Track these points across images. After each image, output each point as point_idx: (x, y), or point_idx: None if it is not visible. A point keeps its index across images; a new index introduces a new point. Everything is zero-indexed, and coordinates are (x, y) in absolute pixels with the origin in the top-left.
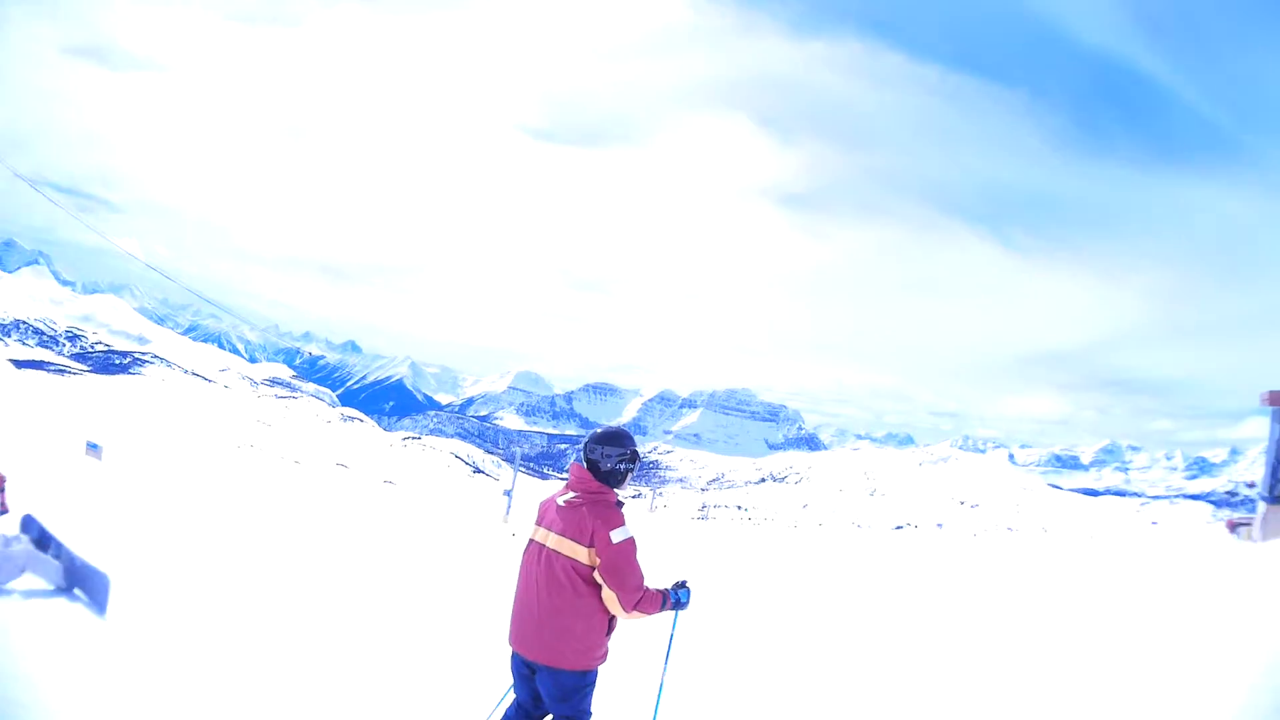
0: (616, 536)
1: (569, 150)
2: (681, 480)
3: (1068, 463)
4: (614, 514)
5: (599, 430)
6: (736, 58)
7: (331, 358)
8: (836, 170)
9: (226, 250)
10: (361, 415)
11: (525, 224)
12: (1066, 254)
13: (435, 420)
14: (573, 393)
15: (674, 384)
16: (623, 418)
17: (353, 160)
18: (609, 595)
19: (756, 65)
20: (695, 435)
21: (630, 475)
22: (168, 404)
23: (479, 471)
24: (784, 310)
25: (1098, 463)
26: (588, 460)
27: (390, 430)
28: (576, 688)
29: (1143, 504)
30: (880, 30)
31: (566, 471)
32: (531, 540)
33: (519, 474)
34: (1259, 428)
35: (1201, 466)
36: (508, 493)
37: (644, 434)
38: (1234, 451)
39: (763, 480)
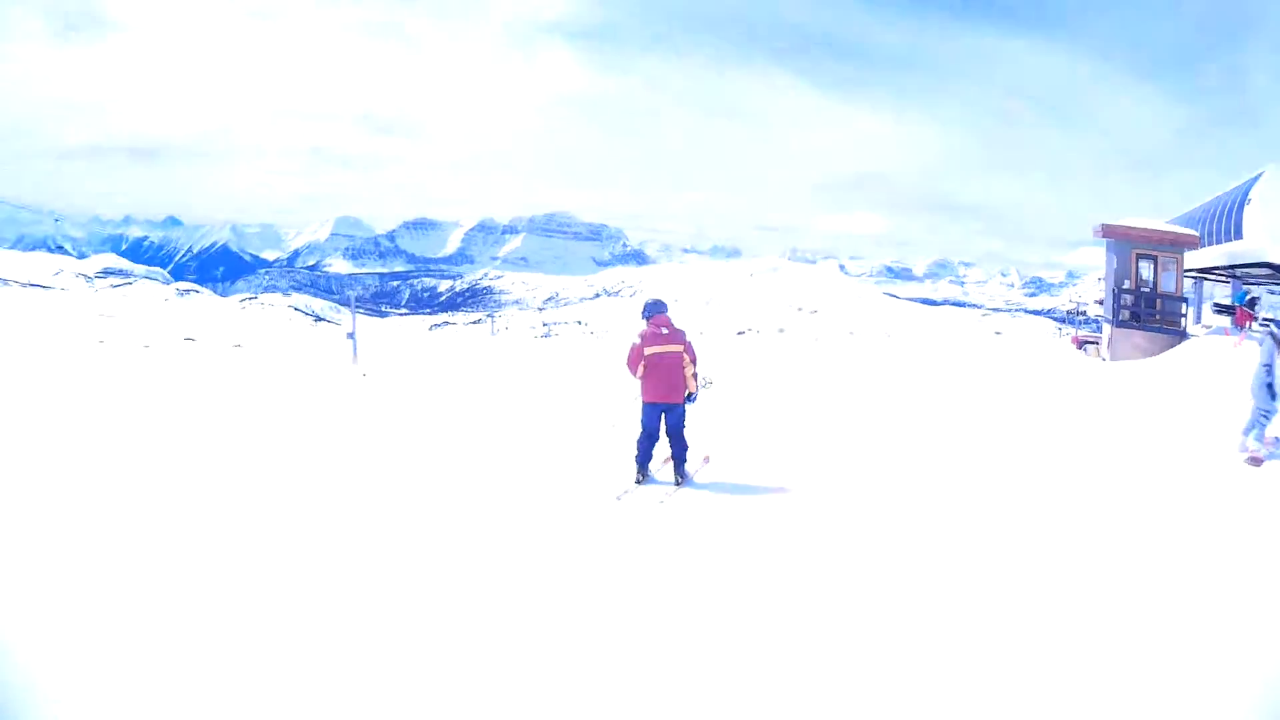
0: (690, 341)
1: None
2: (518, 302)
3: (900, 274)
4: (684, 333)
5: (655, 300)
6: None
7: (155, 236)
8: (626, 4)
9: (35, 151)
10: (196, 286)
11: (321, 76)
12: (884, 92)
13: (267, 278)
14: (394, 231)
15: (493, 212)
16: (447, 248)
17: (145, 37)
18: (689, 368)
19: None
20: (523, 259)
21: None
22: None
23: (320, 319)
24: (589, 138)
25: (931, 275)
26: (658, 314)
27: (226, 295)
28: (685, 412)
29: (983, 315)
30: None
31: (404, 308)
32: (655, 352)
33: (357, 316)
34: (1092, 256)
35: (1039, 285)
36: (350, 335)
37: (471, 262)
38: (1071, 275)
39: (597, 296)
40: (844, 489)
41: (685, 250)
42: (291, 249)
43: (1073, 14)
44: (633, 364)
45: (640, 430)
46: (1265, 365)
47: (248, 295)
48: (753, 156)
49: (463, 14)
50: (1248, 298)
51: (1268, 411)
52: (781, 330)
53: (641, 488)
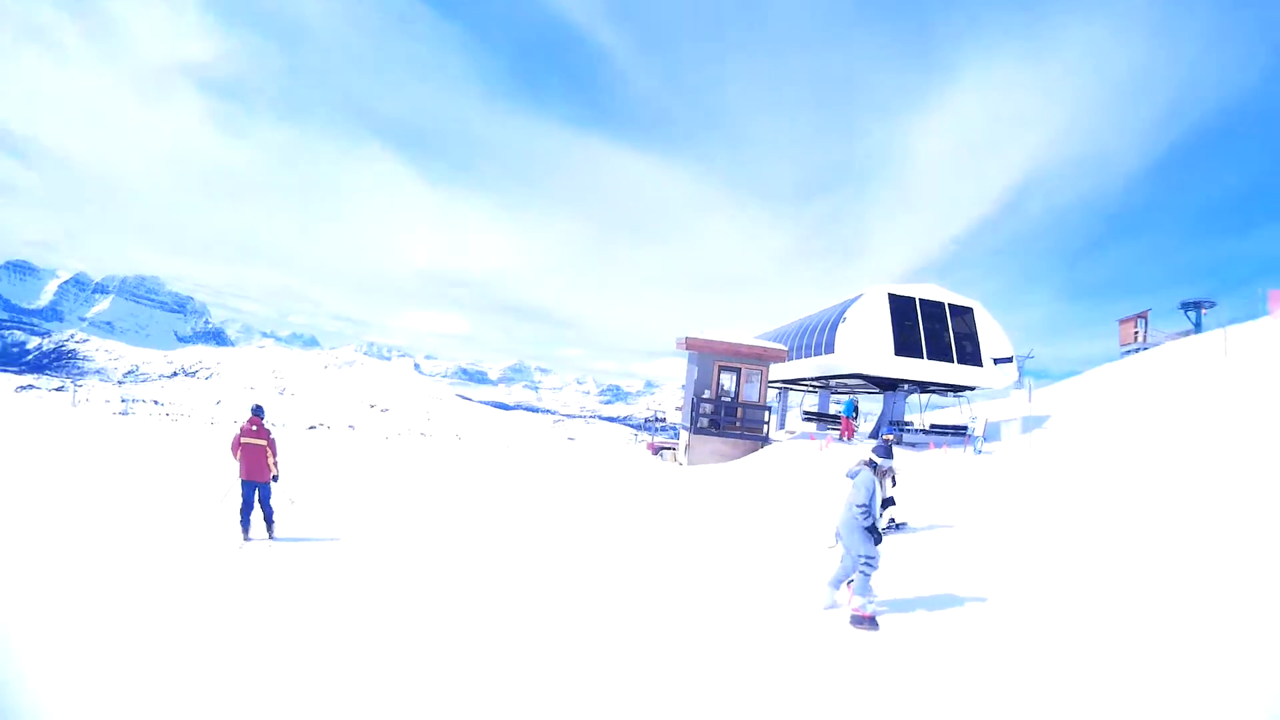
0: (274, 438)
1: None
2: (100, 371)
3: (475, 376)
4: (270, 431)
5: (257, 405)
6: None
7: None
8: (271, 65)
9: None
10: None
11: None
12: (477, 189)
13: None
14: None
15: (88, 266)
16: (41, 299)
17: None
18: (270, 457)
19: None
20: (108, 323)
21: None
22: None
23: None
24: (194, 201)
25: (506, 379)
26: (255, 416)
27: None
28: (270, 489)
29: (556, 421)
30: None
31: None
32: (247, 443)
33: None
34: (673, 366)
35: (616, 393)
36: None
37: (61, 320)
38: (649, 384)
39: (175, 374)
40: (388, 546)
41: (264, 334)
42: None
43: (694, 139)
44: (233, 448)
45: (241, 500)
46: (861, 507)
47: None
48: (346, 243)
49: (110, 35)
50: (855, 407)
51: (870, 559)
52: (352, 427)
53: (249, 542)
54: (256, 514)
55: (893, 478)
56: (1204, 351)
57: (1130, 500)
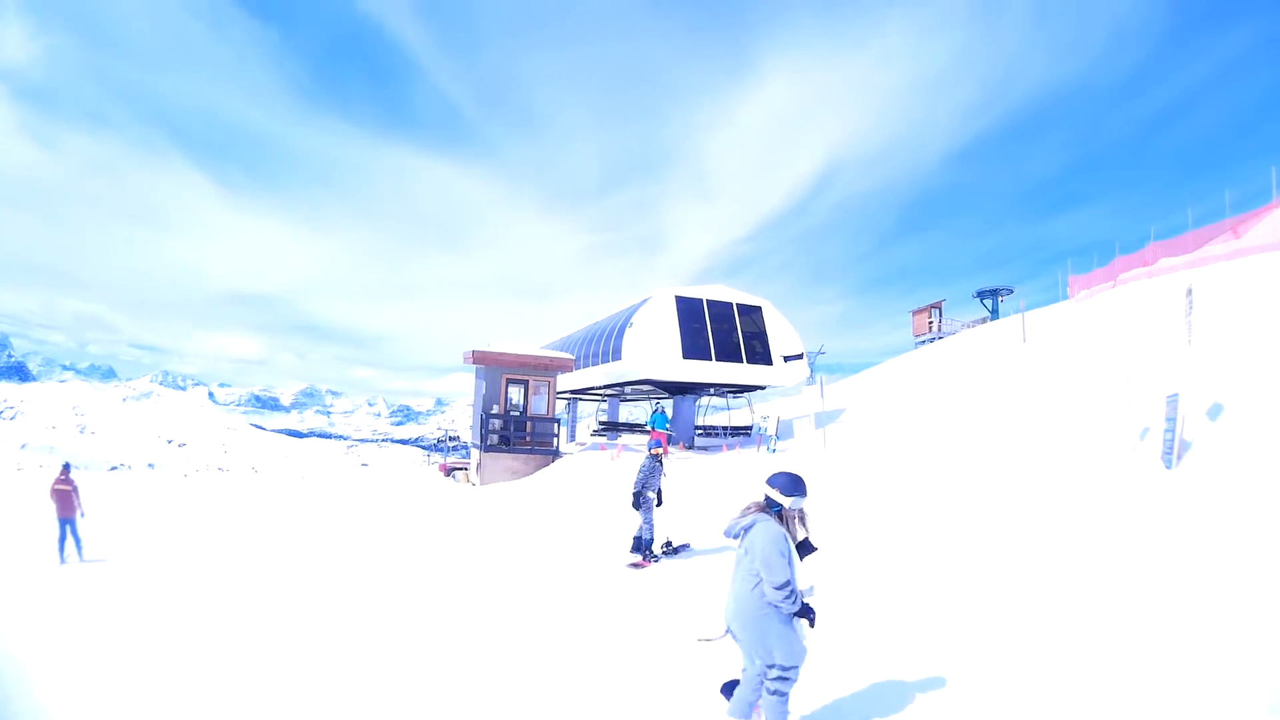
0: (77, 485)
1: None
2: None
3: (268, 403)
4: (74, 480)
5: (66, 463)
6: None
7: None
8: (79, 65)
9: None
10: None
11: None
12: (277, 199)
13: None
14: None
15: None
16: None
17: None
18: (76, 498)
19: None
20: None
21: None
22: None
23: None
24: (5, 218)
25: (299, 405)
26: (64, 472)
27: None
28: (76, 523)
29: (349, 446)
30: None
31: None
32: (57, 489)
33: None
34: (463, 382)
35: (407, 414)
36: None
37: None
38: (439, 402)
39: None
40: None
41: (65, 367)
42: None
43: (496, 140)
44: (50, 494)
45: (58, 531)
46: (783, 587)
47: None
48: (147, 265)
49: None
50: (663, 416)
51: (790, 668)
52: (152, 465)
53: (64, 564)
54: (69, 541)
55: (801, 518)
56: (1001, 338)
57: (928, 486)
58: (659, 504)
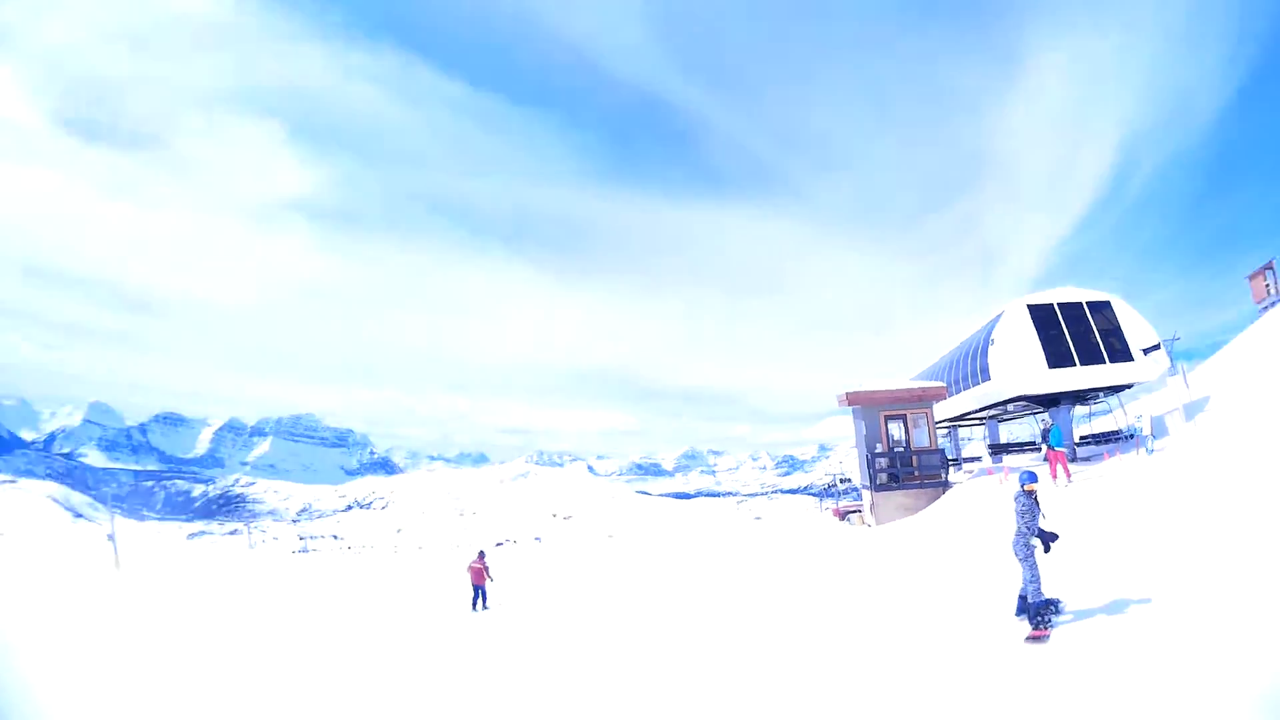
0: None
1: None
2: (273, 512)
3: (651, 470)
4: (484, 553)
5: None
6: (272, 63)
7: None
8: (370, 187)
9: None
10: None
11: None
12: (599, 275)
13: (24, 460)
14: (145, 424)
15: (240, 411)
16: (197, 448)
17: None
18: (489, 571)
19: (293, 73)
20: (271, 465)
21: None
22: None
23: (79, 516)
24: (330, 331)
25: (682, 468)
26: (479, 556)
27: None
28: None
29: (739, 502)
30: (415, 44)
31: (159, 510)
32: (473, 566)
33: (115, 517)
34: (840, 425)
35: (792, 464)
36: (111, 537)
37: (221, 465)
38: (822, 448)
39: (349, 508)
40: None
41: (432, 457)
42: (46, 431)
43: (790, 179)
44: (469, 570)
45: (473, 592)
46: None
47: (7, 479)
48: (488, 354)
49: (203, 181)
50: (1059, 432)
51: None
52: (538, 539)
53: (475, 612)
54: (479, 600)
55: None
56: None
57: None
58: (1046, 550)
